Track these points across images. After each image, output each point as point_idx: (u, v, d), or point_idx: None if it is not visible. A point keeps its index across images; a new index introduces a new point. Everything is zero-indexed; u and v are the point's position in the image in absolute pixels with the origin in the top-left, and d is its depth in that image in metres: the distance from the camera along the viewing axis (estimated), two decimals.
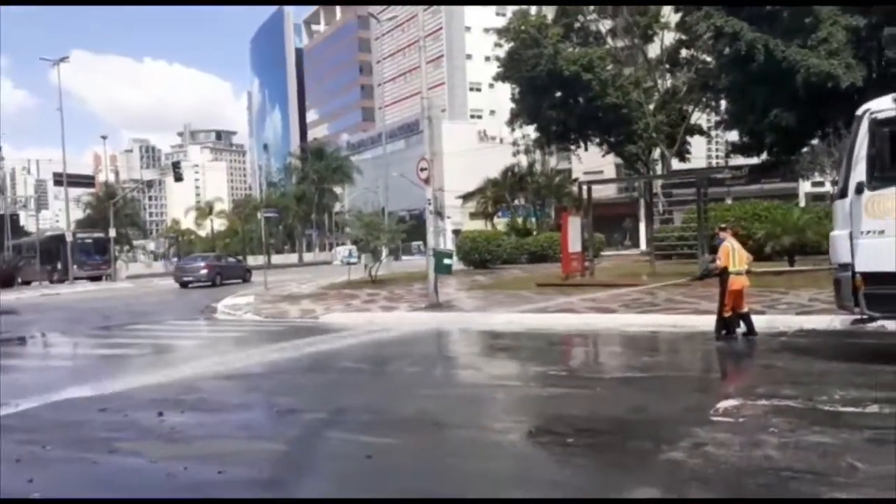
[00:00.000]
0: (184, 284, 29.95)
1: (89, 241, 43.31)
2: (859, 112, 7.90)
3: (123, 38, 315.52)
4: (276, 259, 71.72)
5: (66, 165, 43.65)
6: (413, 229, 31.52)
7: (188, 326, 16.22)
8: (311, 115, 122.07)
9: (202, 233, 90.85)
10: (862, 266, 7.72)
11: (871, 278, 7.66)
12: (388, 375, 9.15)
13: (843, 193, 7.99)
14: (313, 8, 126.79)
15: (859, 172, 7.73)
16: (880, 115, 7.66)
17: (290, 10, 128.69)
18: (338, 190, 70.08)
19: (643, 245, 36.78)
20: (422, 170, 16.98)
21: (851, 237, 7.81)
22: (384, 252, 26.10)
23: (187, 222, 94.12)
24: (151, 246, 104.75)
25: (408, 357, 10.37)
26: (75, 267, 40.25)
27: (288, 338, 12.31)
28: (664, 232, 26.96)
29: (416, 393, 7.68)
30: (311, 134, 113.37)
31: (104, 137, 57.15)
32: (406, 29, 79.40)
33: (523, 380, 8.37)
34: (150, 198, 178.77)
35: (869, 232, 7.66)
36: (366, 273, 24.06)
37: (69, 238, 40.80)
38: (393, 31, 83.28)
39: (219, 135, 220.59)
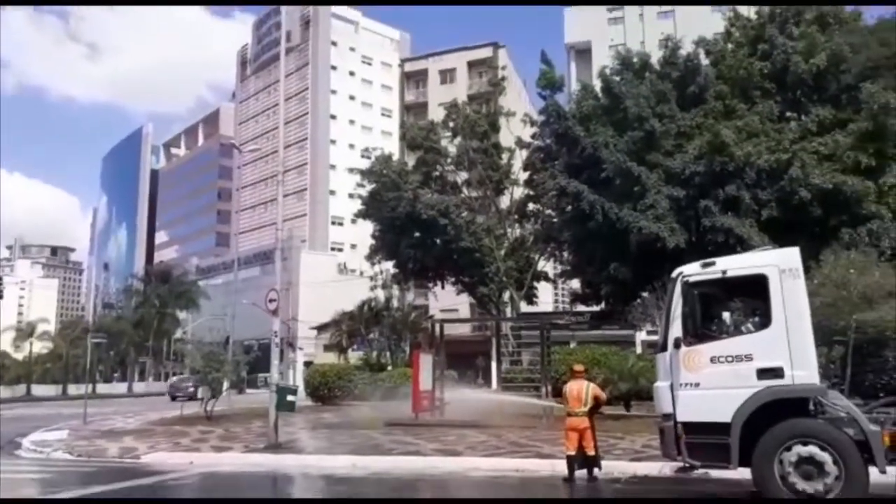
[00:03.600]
0: (174, 398, 36.48)
1: None
2: (674, 275, 8.72)
3: None
4: (103, 388, 65.21)
5: None
6: (260, 360, 30.04)
7: None
8: (160, 237, 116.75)
9: (19, 356, 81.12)
10: (682, 416, 8.19)
11: (691, 428, 8.11)
12: None
13: (663, 347, 8.63)
14: (176, 131, 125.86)
15: (676, 329, 8.42)
16: (691, 279, 8.51)
17: (149, 132, 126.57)
18: (182, 315, 66.16)
19: (494, 384, 37.61)
20: (270, 300, 16.50)
21: (672, 389, 8.35)
22: (225, 385, 24.49)
23: (3, 344, 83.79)
24: None
25: None
26: None
27: (96, 481, 10.90)
28: (512, 373, 27.58)
29: None
30: (159, 256, 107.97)
31: None
32: (269, 161, 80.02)
33: None
34: None
35: (687, 384, 8.22)
36: (201, 408, 22.32)
37: None
38: (256, 161, 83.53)
39: (54, 250, 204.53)
